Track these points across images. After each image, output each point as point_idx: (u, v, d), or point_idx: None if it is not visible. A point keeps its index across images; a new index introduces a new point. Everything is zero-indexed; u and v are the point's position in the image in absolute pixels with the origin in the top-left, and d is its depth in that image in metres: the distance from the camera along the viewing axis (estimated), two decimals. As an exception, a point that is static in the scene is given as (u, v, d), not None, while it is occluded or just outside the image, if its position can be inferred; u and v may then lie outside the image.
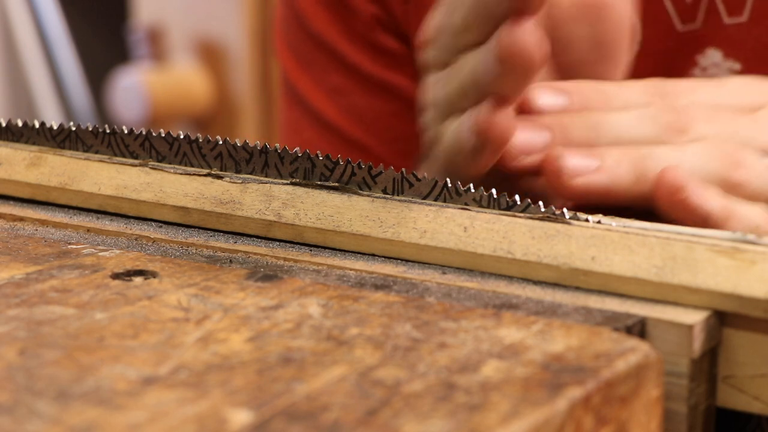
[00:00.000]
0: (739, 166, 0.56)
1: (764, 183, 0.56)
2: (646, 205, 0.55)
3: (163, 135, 0.57)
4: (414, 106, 0.74)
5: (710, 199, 0.54)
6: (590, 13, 0.60)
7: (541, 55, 0.52)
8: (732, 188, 0.56)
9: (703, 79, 0.61)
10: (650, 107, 0.58)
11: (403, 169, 0.52)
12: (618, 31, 0.61)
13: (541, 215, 0.49)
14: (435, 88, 0.58)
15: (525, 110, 0.58)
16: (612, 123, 0.57)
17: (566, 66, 0.62)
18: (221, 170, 0.55)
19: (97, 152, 0.58)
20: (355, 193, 0.52)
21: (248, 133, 2.04)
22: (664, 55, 0.73)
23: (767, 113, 0.59)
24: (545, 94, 0.58)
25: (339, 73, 0.87)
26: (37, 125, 0.59)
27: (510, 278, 0.48)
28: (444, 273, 0.49)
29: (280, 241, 0.53)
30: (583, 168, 0.55)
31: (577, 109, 0.58)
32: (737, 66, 0.71)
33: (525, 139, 0.56)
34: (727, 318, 0.45)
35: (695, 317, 0.44)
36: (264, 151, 0.55)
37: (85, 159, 0.57)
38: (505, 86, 0.53)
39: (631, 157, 0.55)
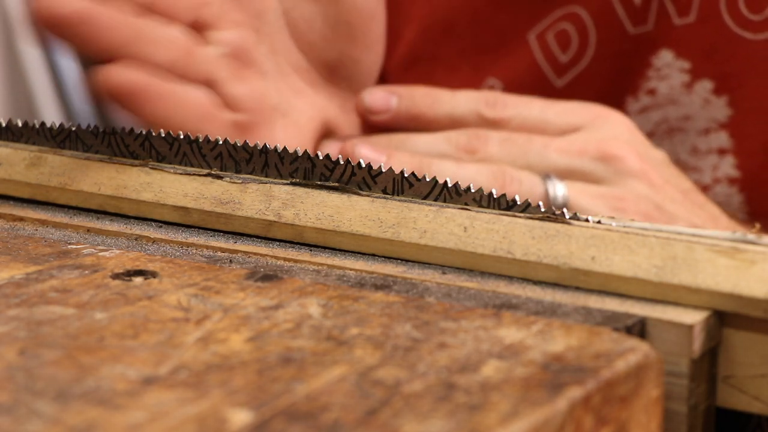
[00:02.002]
0: (508, 185, 0.63)
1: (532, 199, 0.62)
2: None
3: (163, 135, 0.57)
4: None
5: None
6: None
7: None
8: None
9: (532, 98, 0.67)
10: (453, 131, 0.64)
11: (404, 169, 0.52)
12: (356, 11, 0.66)
13: (541, 215, 0.49)
14: None
15: (358, 108, 0.64)
16: (412, 142, 0.63)
17: (311, 45, 0.67)
18: (221, 170, 0.55)
19: (97, 152, 0.58)
20: (355, 193, 0.52)
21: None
22: (618, 57, 0.74)
23: (567, 139, 0.65)
24: (375, 94, 0.64)
25: None
26: (37, 125, 0.59)
27: (510, 278, 0.48)
28: (444, 273, 0.49)
29: (280, 241, 0.53)
30: (372, 160, 0.60)
31: (404, 109, 0.64)
32: (687, 65, 0.72)
33: (329, 148, 0.63)
34: (727, 318, 0.45)
35: (695, 317, 0.44)
36: (264, 151, 0.55)
37: (85, 159, 0.57)
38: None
39: (415, 162, 0.62)
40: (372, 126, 0.67)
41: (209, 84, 0.64)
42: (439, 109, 0.65)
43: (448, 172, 0.62)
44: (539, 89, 0.76)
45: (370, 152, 0.62)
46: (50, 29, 0.60)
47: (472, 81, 0.78)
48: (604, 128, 0.66)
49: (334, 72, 0.68)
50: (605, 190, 0.64)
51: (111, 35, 0.60)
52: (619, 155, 0.65)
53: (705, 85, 0.72)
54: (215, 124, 0.62)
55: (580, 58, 0.75)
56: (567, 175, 0.64)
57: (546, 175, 0.64)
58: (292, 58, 0.68)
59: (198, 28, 0.64)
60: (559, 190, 0.63)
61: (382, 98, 0.65)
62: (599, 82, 0.75)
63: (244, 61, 0.65)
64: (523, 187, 0.63)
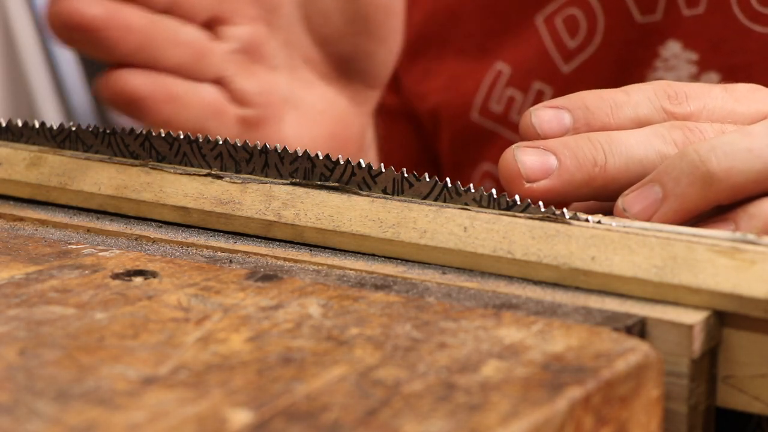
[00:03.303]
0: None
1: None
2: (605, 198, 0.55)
3: (163, 135, 0.57)
4: (382, 112, 0.77)
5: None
6: None
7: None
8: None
9: (708, 84, 0.60)
10: (659, 125, 0.56)
11: (404, 169, 0.52)
12: (374, 6, 0.66)
13: (541, 215, 0.49)
14: None
15: (528, 135, 0.55)
16: (622, 143, 0.55)
17: (326, 38, 0.66)
18: (221, 170, 0.55)
19: (97, 152, 0.58)
20: (355, 193, 0.52)
21: (248, 133, 2.04)
22: (625, 46, 0.74)
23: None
24: (543, 115, 0.56)
25: None
26: (37, 125, 0.59)
27: (510, 278, 0.48)
28: (444, 273, 0.49)
29: (280, 241, 0.53)
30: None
31: (582, 124, 0.56)
32: (695, 56, 0.72)
33: (533, 163, 0.53)
34: (727, 318, 0.45)
35: (695, 317, 0.44)
36: (264, 151, 0.55)
37: (85, 159, 0.57)
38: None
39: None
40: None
41: (220, 81, 0.63)
42: (620, 114, 0.57)
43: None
44: (546, 74, 0.76)
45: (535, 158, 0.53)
46: (68, 34, 0.59)
47: (481, 65, 0.78)
48: None
49: (347, 65, 0.68)
50: None
51: (126, 41, 0.60)
52: None
53: (712, 77, 0.72)
54: (224, 121, 0.62)
55: (588, 45, 0.75)
56: None
57: None
58: (305, 52, 0.67)
59: (213, 24, 0.64)
60: None
61: (552, 117, 0.56)
62: (606, 70, 0.74)
63: (254, 56, 0.65)
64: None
